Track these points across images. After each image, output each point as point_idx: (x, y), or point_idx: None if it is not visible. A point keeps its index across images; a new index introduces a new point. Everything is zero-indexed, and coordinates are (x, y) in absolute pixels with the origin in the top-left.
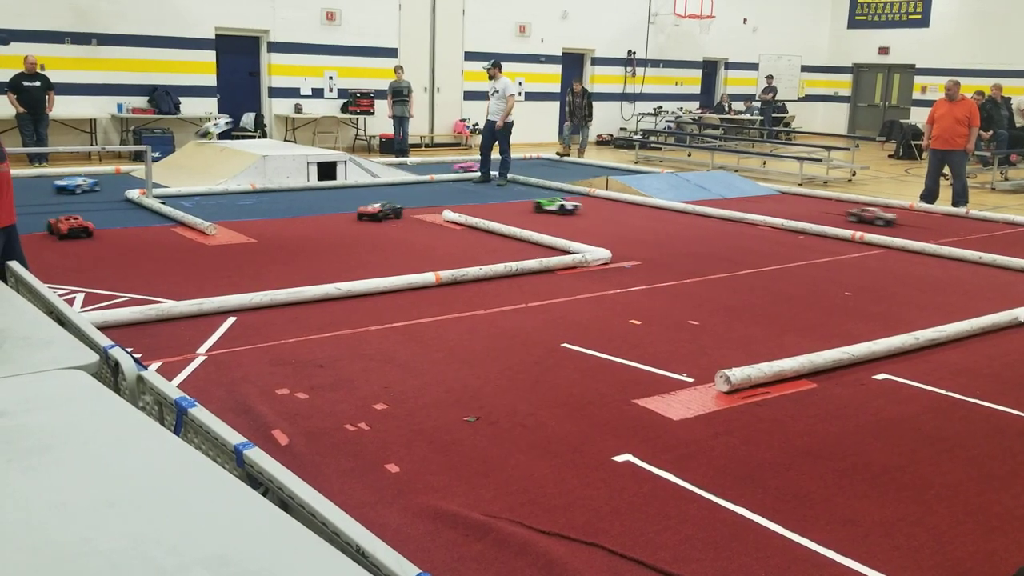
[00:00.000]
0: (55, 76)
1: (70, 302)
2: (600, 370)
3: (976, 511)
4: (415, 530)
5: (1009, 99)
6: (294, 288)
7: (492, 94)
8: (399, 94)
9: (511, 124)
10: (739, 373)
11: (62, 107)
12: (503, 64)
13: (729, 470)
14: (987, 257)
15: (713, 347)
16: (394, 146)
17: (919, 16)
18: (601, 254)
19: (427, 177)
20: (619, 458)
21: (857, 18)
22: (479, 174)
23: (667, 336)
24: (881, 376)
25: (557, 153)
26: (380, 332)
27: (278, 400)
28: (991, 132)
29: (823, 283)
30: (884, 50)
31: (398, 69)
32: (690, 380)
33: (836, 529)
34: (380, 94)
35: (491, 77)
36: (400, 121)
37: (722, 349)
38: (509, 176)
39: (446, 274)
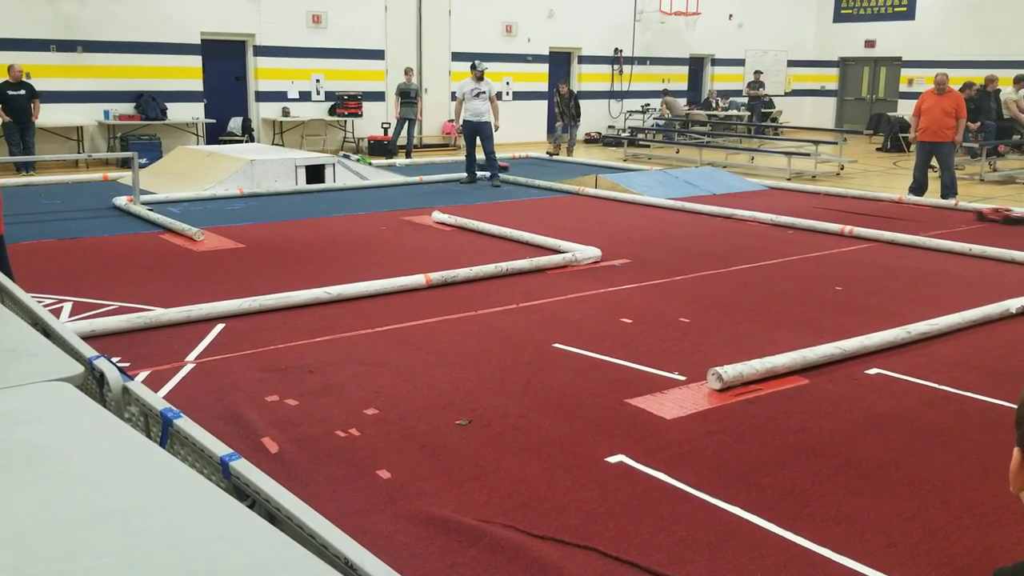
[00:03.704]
0: (40, 84)
1: (58, 312)
2: (592, 370)
3: (971, 506)
4: (407, 537)
5: (998, 91)
6: (283, 293)
7: (477, 95)
8: (407, 96)
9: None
10: (731, 370)
11: (48, 115)
12: (479, 65)
13: (723, 469)
14: (977, 249)
15: (705, 344)
16: (386, 146)
17: (904, 8)
18: (591, 253)
19: (416, 179)
20: (612, 459)
21: (843, 12)
22: (466, 175)
23: (658, 334)
24: (873, 371)
25: (548, 152)
26: (370, 336)
27: (268, 407)
28: (979, 123)
29: (814, 278)
30: (870, 43)
31: (408, 71)
32: (682, 378)
33: (831, 527)
34: (368, 96)
35: (479, 78)
36: (401, 122)
37: (714, 346)
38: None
39: (436, 276)
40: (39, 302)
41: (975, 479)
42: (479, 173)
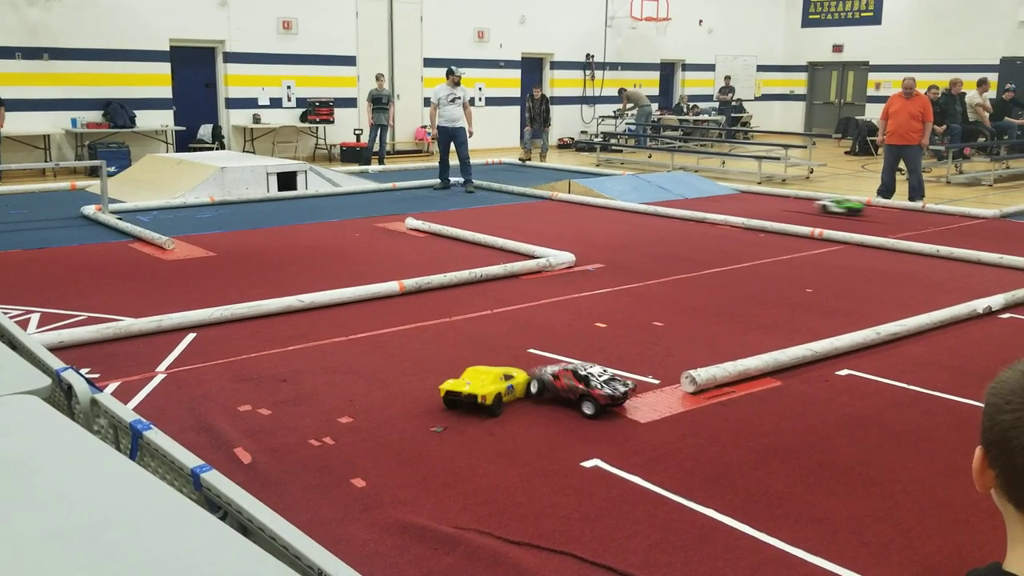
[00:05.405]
0: (6, 92)
1: (25, 323)
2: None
3: (942, 505)
4: (383, 545)
5: (963, 94)
6: (255, 301)
7: (452, 100)
8: (378, 101)
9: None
10: (704, 373)
11: (14, 124)
12: (456, 71)
13: (697, 472)
14: (944, 250)
15: (678, 348)
16: (363, 153)
17: (871, 13)
18: (565, 258)
19: (389, 185)
20: (588, 464)
21: (811, 17)
22: (439, 181)
23: (632, 338)
24: (844, 372)
25: (520, 159)
26: (344, 344)
27: (240, 417)
28: (945, 126)
29: (785, 280)
30: (838, 48)
31: (379, 77)
32: (656, 382)
33: (805, 528)
34: (340, 103)
35: (455, 84)
36: (375, 129)
37: (687, 349)
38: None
39: (410, 282)
40: (5, 313)
41: (945, 478)
42: (452, 179)
